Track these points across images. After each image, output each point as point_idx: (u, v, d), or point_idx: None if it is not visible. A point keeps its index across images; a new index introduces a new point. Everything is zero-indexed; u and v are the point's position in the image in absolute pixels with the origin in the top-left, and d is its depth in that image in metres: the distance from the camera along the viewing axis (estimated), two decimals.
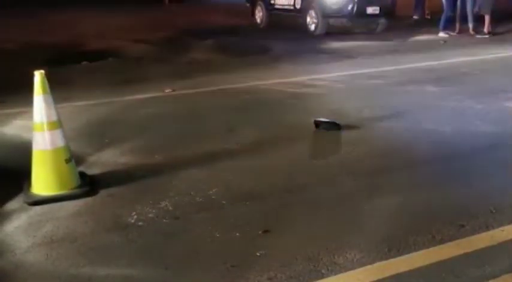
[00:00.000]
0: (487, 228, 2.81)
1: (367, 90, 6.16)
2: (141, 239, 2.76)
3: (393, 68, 7.41)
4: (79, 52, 8.81)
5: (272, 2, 12.13)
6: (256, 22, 12.77)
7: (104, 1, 15.80)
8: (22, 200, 3.19)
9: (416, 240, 2.68)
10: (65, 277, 2.44)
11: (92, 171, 3.64)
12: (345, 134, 4.45)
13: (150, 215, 3.01)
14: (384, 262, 2.51)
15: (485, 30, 10.47)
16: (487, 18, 10.41)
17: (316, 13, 10.81)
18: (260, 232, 2.80)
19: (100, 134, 4.51)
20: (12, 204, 3.16)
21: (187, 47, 9.44)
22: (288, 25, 11.65)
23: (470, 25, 10.62)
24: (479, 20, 10.72)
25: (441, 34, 10.50)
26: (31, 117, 3.25)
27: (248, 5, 13.23)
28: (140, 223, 2.93)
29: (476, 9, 11.41)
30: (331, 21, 10.83)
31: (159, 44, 9.65)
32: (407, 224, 2.88)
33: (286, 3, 11.65)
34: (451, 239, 2.70)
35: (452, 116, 4.94)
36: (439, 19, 10.72)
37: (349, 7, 10.59)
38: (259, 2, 12.57)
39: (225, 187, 3.37)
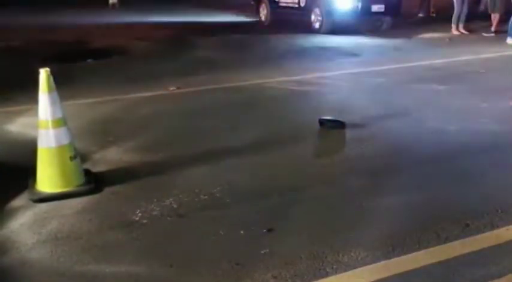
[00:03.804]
0: (493, 227, 2.80)
1: (372, 88, 6.14)
2: (145, 237, 2.77)
3: (398, 66, 7.39)
4: (84, 50, 8.83)
5: None
6: (260, 20, 12.76)
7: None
8: (27, 197, 3.20)
9: (421, 239, 2.67)
10: (69, 274, 2.45)
11: (96, 168, 3.64)
12: (349, 133, 4.44)
13: (155, 213, 3.01)
14: (388, 261, 2.51)
15: (493, 29, 10.42)
16: (496, 17, 10.36)
17: (320, 11, 10.78)
18: (264, 230, 2.80)
19: (104, 131, 4.52)
20: (17, 201, 3.18)
21: (191, 44, 9.44)
22: (292, 23, 11.63)
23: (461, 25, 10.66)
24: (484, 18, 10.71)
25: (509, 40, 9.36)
26: (36, 114, 3.25)
27: (253, 2, 13.22)
28: (145, 221, 2.93)
29: (482, 7, 11.38)
30: (336, 19, 10.80)
31: (162, 42, 9.66)
32: (412, 222, 2.87)
33: (290, 0, 11.62)
34: (456, 238, 2.69)
35: (457, 115, 4.92)
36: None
37: (354, 5, 10.56)
38: (264, 0, 12.56)
39: (229, 185, 3.37)
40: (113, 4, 16.85)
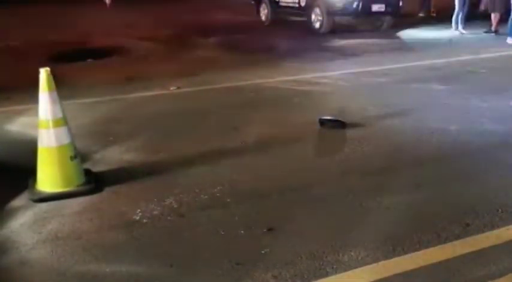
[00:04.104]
0: (493, 227, 2.80)
1: (372, 88, 6.14)
2: (145, 237, 2.77)
3: (398, 66, 7.39)
4: (84, 49, 8.83)
5: None
6: (261, 20, 12.76)
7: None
8: (27, 197, 3.21)
9: (421, 239, 2.67)
10: (70, 274, 2.45)
11: (97, 168, 3.64)
12: (349, 133, 4.44)
13: (155, 213, 3.02)
14: (388, 260, 2.51)
15: (493, 28, 10.42)
16: (496, 17, 10.35)
17: (321, 11, 10.78)
18: (265, 230, 2.80)
19: (105, 131, 4.52)
20: (17, 201, 3.18)
21: (192, 44, 9.45)
22: (292, 23, 11.63)
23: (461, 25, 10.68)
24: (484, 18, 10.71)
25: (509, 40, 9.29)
26: (37, 114, 3.25)
27: (253, 2, 13.22)
28: (145, 220, 2.93)
29: (482, 7, 11.37)
30: (336, 18, 10.80)
31: (162, 42, 9.66)
32: (412, 222, 2.87)
33: (291, 0, 11.62)
34: (457, 237, 2.69)
35: (457, 115, 4.91)
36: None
37: (355, 4, 10.55)
38: (264, 0, 12.56)
39: (230, 185, 3.37)
40: (109, 4, 16.65)
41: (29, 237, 2.77)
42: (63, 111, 3.24)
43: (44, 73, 3.16)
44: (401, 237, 2.69)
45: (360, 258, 2.52)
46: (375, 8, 10.72)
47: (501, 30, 10.12)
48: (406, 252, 2.56)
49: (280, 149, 4.08)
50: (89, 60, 8.03)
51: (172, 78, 6.47)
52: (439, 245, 2.63)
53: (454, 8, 10.77)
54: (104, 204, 3.16)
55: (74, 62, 7.71)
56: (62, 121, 3.23)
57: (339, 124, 4.53)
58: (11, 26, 11.39)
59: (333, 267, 2.45)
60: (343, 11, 10.67)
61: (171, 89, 6.04)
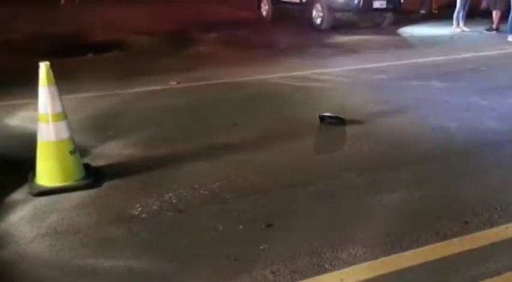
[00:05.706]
0: (492, 225, 2.80)
1: (372, 85, 6.14)
2: (144, 232, 2.77)
3: (399, 62, 7.38)
4: (84, 44, 8.80)
5: None
6: (262, 15, 12.74)
7: None
8: (27, 191, 3.21)
9: (419, 236, 2.67)
10: (68, 268, 2.45)
11: (96, 163, 3.64)
12: (349, 129, 4.43)
13: (154, 208, 3.02)
14: (387, 258, 2.51)
15: (494, 26, 10.40)
16: (497, 14, 10.33)
17: (322, 7, 10.75)
18: (263, 226, 2.80)
19: (104, 126, 4.52)
20: (17, 195, 3.18)
21: (192, 39, 9.42)
22: (293, 19, 11.60)
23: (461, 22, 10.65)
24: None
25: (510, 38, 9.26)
26: (36, 108, 3.25)
27: None
28: (144, 215, 2.93)
29: (483, 4, 11.36)
30: (337, 15, 10.78)
31: (164, 37, 9.64)
32: (411, 220, 2.87)
33: None
34: (455, 235, 2.70)
35: (457, 112, 4.91)
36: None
37: (356, 1, 10.54)
38: None
39: (229, 181, 3.37)
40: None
41: (28, 231, 2.77)
42: (62, 105, 3.24)
43: (43, 67, 3.16)
44: (400, 234, 2.70)
45: (358, 255, 2.52)
46: (376, 4, 10.69)
47: (502, 27, 10.10)
48: (404, 250, 2.57)
49: (280, 145, 4.07)
50: (89, 54, 8.01)
51: (172, 73, 6.46)
52: (438, 242, 2.63)
53: (455, 5, 10.75)
54: (103, 198, 3.16)
55: (74, 56, 7.69)
56: (61, 115, 3.23)
57: (338, 121, 4.53)
58: (11, 19, 11.34)
59: (331, 264, 2.45)
60: (344, 7, 10.65)
61: (171, 84, 6.03)
